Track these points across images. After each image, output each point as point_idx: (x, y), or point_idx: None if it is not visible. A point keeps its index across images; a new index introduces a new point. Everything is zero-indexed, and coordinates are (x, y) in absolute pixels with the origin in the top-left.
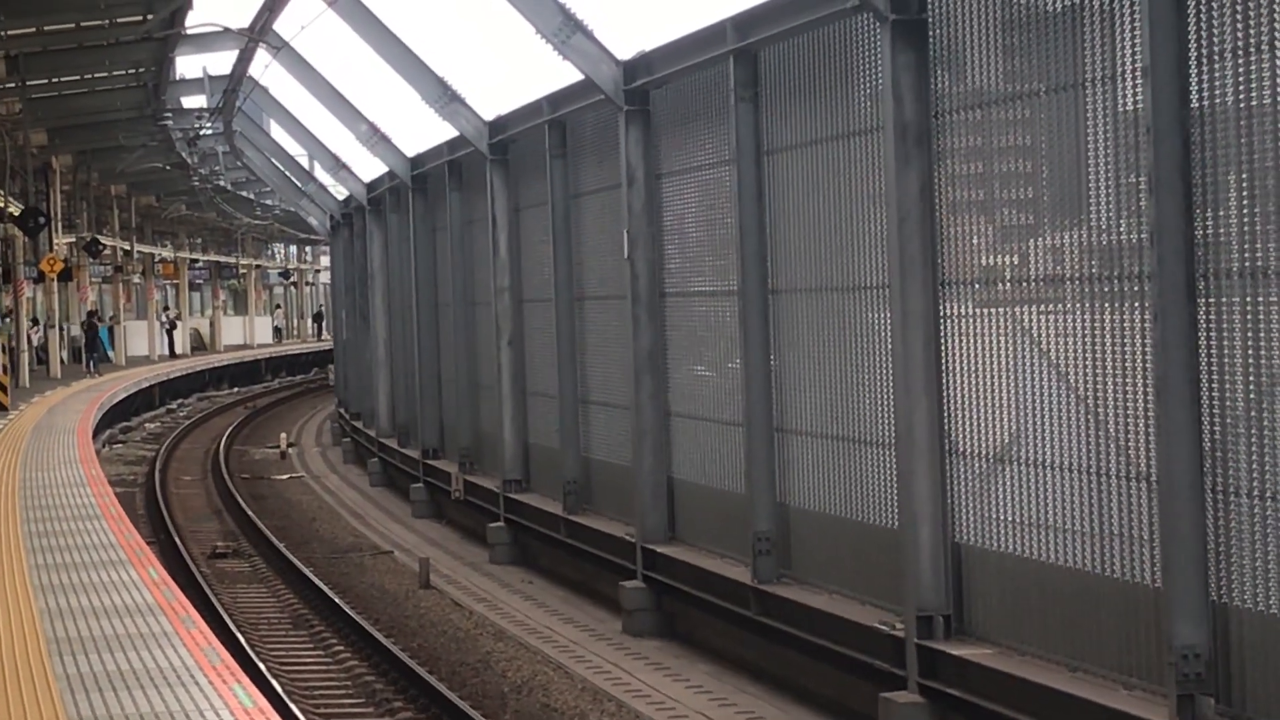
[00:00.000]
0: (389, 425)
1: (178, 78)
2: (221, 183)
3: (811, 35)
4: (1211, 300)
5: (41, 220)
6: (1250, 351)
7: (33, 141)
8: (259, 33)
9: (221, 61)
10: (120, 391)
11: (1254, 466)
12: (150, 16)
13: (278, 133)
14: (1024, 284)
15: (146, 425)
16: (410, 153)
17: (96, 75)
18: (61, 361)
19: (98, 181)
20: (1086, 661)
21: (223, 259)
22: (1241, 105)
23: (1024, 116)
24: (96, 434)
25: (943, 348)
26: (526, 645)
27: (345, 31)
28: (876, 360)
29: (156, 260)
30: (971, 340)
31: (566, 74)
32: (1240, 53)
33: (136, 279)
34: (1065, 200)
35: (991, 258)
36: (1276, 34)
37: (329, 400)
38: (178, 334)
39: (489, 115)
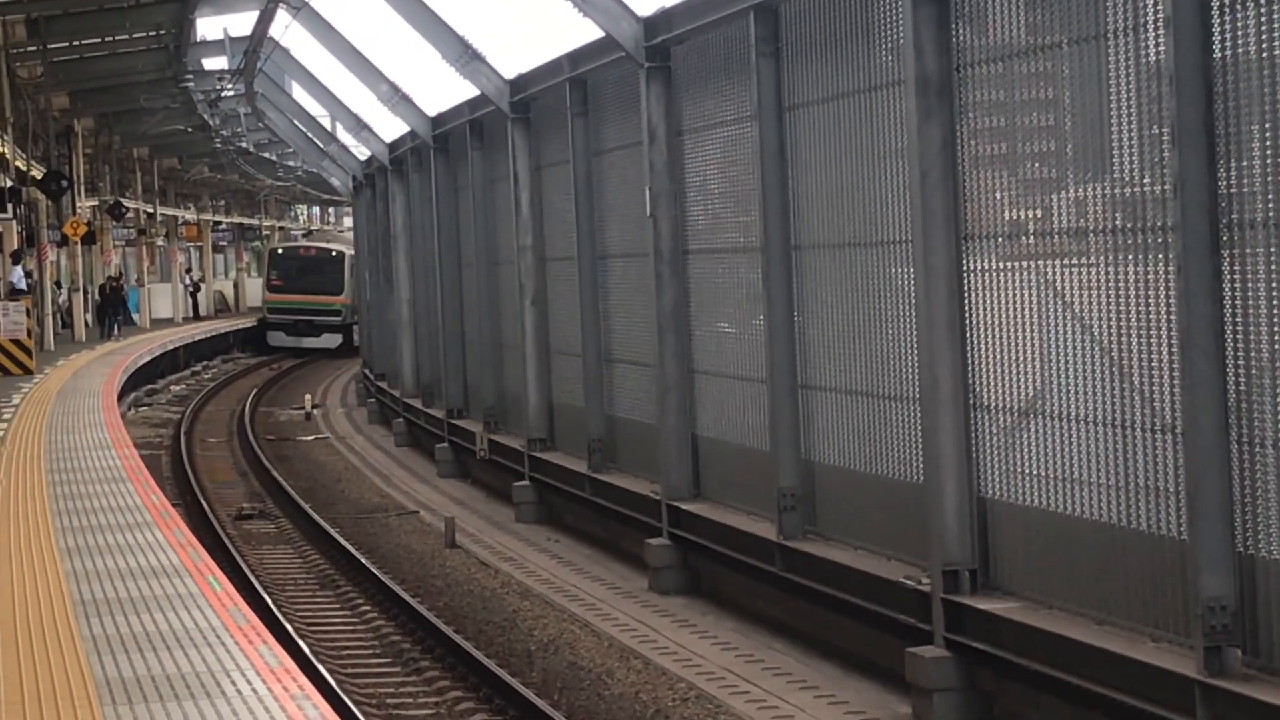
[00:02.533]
0: (413, 385)
1: (198, 39)
2: (244, 144)
3: None
4: (1235, 251)
5: (64, 184)
6: (1274, 302)
7: (54, 105)
8: None
9: (242, 23)
10: (145, 354)
11: (1279, 417)
12: None
13: (299, 94)
14: (1047, 237)
15: (171, 388)
16: (431, 112)
17: (117, 38)
18: (86, 325)
19: (120, 144)
20: (1113, 614)
21: (246, 221)
22: (1264, 55)
23: (1046, 69)
24: (121, 397)
25: (966, 302)
26: (552, 603)
27: None
28: (900, 315)
29: (180, 223)
30: (995, 294)
31: (587, 31)
32: (1262, 2)
33: (160, 242)
34: (1088, 153)
35: (1015, 211)
36: None
37: (354, 361)
38: (201, 296)
39: (510, 74)
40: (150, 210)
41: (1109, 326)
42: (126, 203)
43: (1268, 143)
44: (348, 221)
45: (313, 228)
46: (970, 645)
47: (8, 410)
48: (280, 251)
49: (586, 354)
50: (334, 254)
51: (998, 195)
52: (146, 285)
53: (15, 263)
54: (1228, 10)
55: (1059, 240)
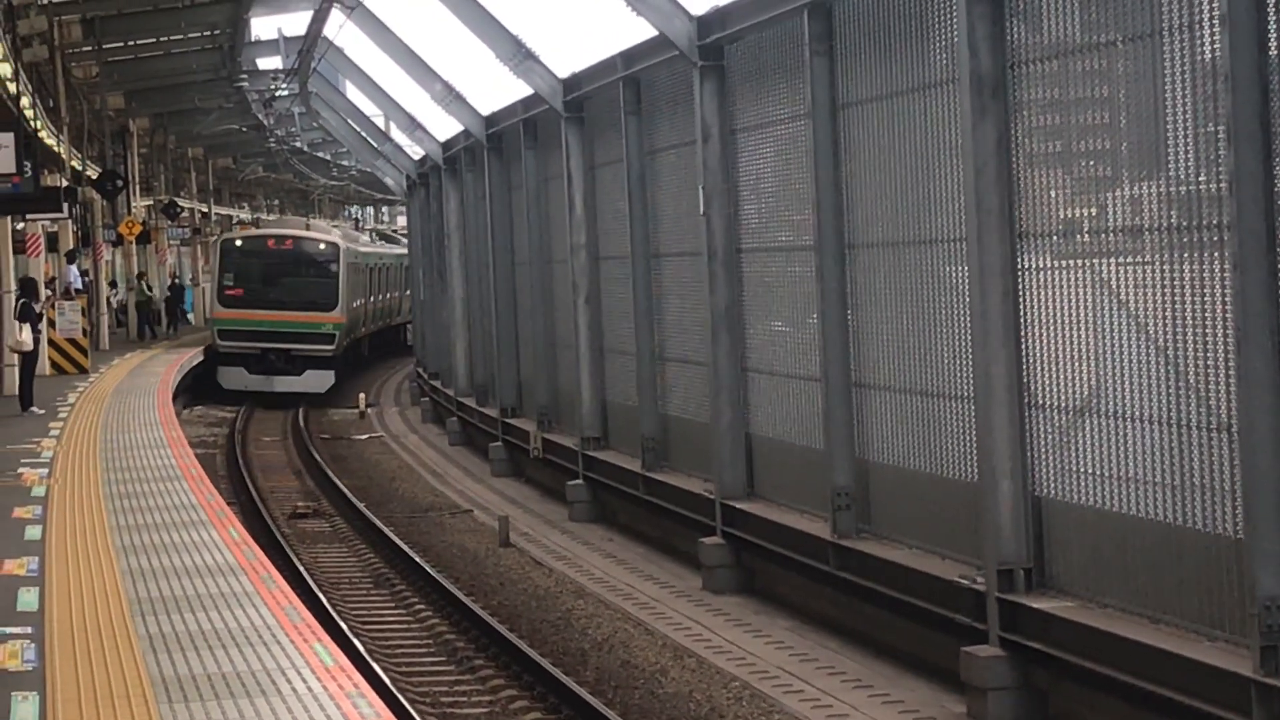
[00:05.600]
0: (467, 384)
1: (253, 39)
2: (298, 144)
3: None
4: None
5: (119, 183)
6: None
7: (110, 104)
8: None
9: (296, 22)
10: (200, 354)
11: None
12: None
13: (353, 93)
14: (1102, 235)
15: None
16: (485, 111)
17: (172, 38)
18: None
19: (175, 144)
20: (1169, 613)
21: None
22: None
23: (1101, 67)
24: (176, 396)
25: (1021, 300)
26: (607, 602)
27: None
28: (954, 314)
29: (234, 222)
30: (1050, 293)
31: (640, 30)
32: None
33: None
34: (1143, 151)
35: (1070, 210)
36: None
37: (407, 360)
38: None
39: (563, 73)
40: (205, 210)
41: (1164, 325)
42: (181, 202)
43: None
44: (401, 221)
45: (367, 228)
46: (1025, 644)
47: (64, 409)
48: (239, 244)
49: (640, 353)
50: (323, 248)
51: (1052, 193)
52: (201, 284)
53: (70, 262)
54: None
55: (1114, 238)
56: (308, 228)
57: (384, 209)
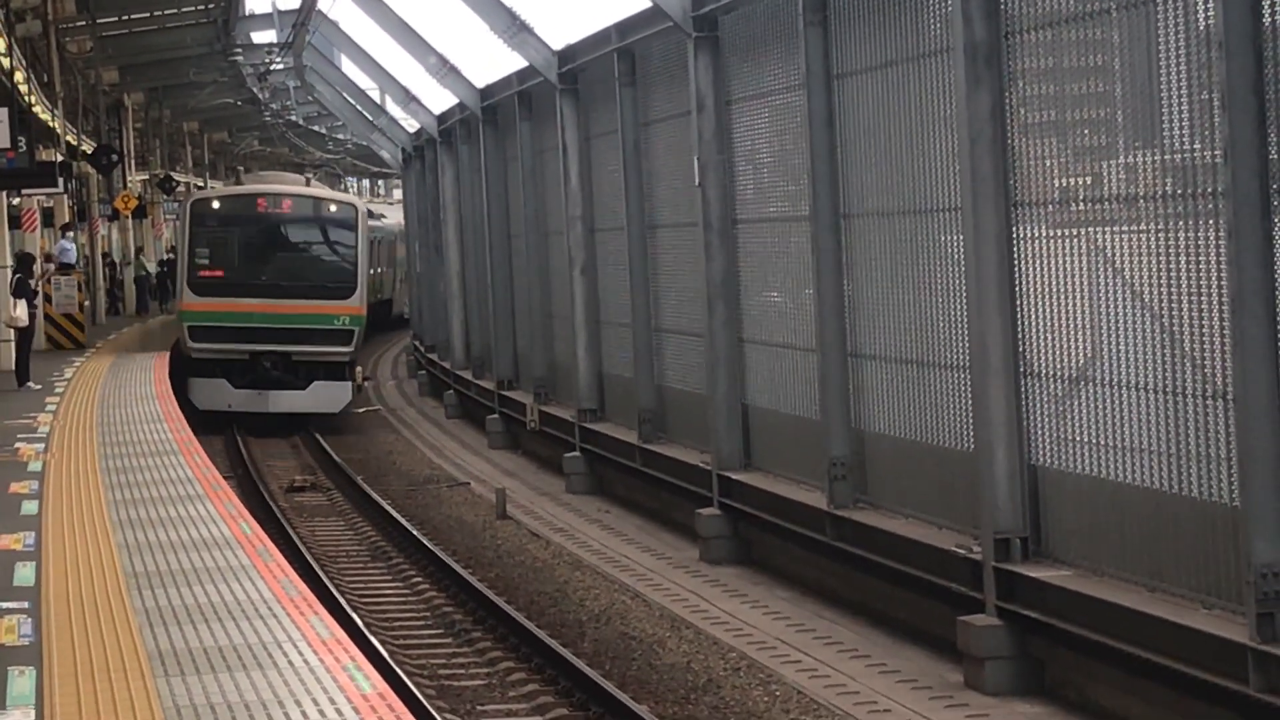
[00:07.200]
0: (464, 357)
1: (247, 13)
2: (293, 118)
3: None
4: None
5: (114, 158)
6: None
7: (104, 79)
8: None
9: None
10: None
11: None
12: None
13: (348, 66)
14: (1098, 204)
15: None
16: (480, 84)
17: (166, 12)
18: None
19: (170, 118)
20: (1165, 581)
21: None
22: None
23: (1096, 35)
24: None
25: (1016, 269)
26: (604, 574)
27: None
28: (950, 283)
29: None
30: (1045, 261)
31: (635, 1)
32: None
33: None
34: (1138, 119)
35: (1065, 178)
36: None
37: (404, 334)
38: None
39: (558, 45)
40: (201, 184)
41: (1160, 293)
42: (177, 176)
43: None
44: (397, 194)
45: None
46: (1022, 613)
47: (60, 384)
48: (217, 206)
49: (636, 324)
50: (334, 210)
51: (1048, 162)
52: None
53: (62, 236)
54: None
55: (1109, 207)
56: (308, 184)
57: (380, 182)
